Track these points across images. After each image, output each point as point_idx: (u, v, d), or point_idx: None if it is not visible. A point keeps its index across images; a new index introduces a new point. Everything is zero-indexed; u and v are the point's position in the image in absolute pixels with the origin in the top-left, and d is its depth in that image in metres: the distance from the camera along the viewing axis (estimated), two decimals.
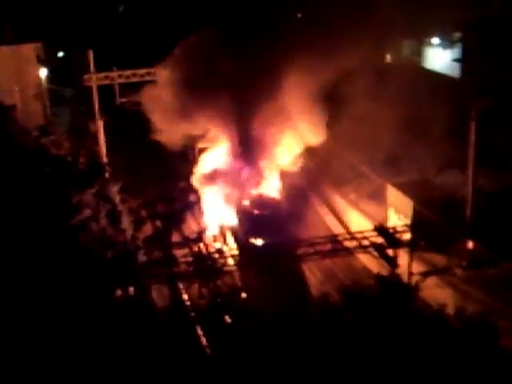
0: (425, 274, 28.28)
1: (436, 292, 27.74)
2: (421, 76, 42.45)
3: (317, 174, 36.69)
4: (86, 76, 37.81)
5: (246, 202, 33.46)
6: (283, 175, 35.79)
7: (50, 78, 46.74)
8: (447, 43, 47.27)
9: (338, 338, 23.35)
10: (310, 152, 35.21)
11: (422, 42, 48.89)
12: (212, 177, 35.27)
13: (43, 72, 45.89)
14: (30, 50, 45.10)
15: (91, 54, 37.13)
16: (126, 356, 22.13)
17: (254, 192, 34.80)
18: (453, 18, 43.86)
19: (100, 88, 38.34)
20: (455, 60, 44.80)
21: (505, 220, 29.00)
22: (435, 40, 48.29)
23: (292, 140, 35.18)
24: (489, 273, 28.01)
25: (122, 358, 22.03)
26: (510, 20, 39.46)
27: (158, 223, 33.73)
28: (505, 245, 28.19)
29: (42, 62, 46.06)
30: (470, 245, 28.86)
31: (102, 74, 38.51)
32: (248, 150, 35.25)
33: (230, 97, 33.87)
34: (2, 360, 20.67)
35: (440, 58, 47.59)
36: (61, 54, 51.68)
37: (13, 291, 22.59)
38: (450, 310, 25.72)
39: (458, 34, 45.98)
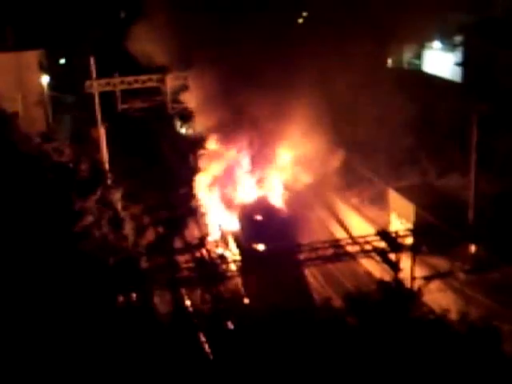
0: (427, 279, 28.23)
1: (439, 296, 27.70)
2: (422, 80, 42.51)
3: (319, 179, 36.67)
4: (87, 82, 37.87)
5: (248, 208, 33.46)
6: (285, 180, 35.86)
7: (51, 84, 46.83)
8: (448, 47, 47.29)
9: (341, 343, 23.34)
10: (312, 157, 35.25)
11: (422, 46, 48.92)
12: (214, 182, 35.34)
13: (45, 79, 45.99)
14: (32, 56, 45.18)
15: (93, 61, 37.18)
16: (129, 361, 22.13)
17: (256, 197, 34.83)
18: (454, 21, 43.94)
19: (102, 94, 38.40)
20: (457, 64, 44.81)
21: (507, 223, 28.97)
22: (436, 44, 48.31)
23: (295, 145, 35.25)
24: (491, 276, 27.96)
25: (125, 364, 22.03)
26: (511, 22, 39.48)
27: (160, 229, 33.76)
28: (507, 248, 28.16)
29: (44, 68, 46.15)
30: (473, 249, 28.82)
31: (104, 81, 38.59)
32: (252, 155, 35.33)
33: (240, 100, 34.00)
34: (5, 364, 20.70)
35: (441, 61, 47.59)
36: (62, 61, 51.83)
37: (16, 297, 22.63)
38: (453, 314, 25.70)
39: (459, 38, 46.00)
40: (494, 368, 21.46)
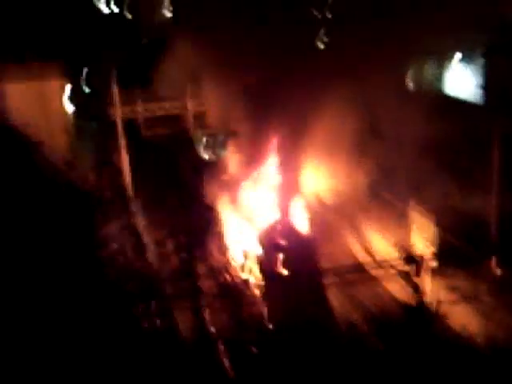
0: (453, 302, 28.01)
1: (465, 320, 27.43)
2: (443, 101, 42.36)
3: (343, 202, 36.61)
4: (110, 110, 38.36)
5: (271, 231, 33.48)
6: (310, 202, 35.83)
7: (75, 112, 47.41)
8: (471, 67, 47.11)
9: (364, 366, 23.27)
10: (335, 178, 35.27)
11: (443, 66, 48.80)
12: (238, 204, 35.43)
13: (70, 107, 46.57)
14: (56, 85, 45.81)
15: (116, 89, 37.68)
16: None
17: (279, 220, 34.83)
18: (477, 41, 43.83)
19: (126, 121, 38.80)
20: (479, 86, 44.63)
21: None
22: (458, 64, 48.17)
23: (319, 167, 35.29)
24: None
25: None
26: None
27: (184, 255, 33.87)
28: None
29: (69, 98, 46.78)
30: (498, 270, 28.56)
31: (127, 108, 39.04)
32: (276, 177, 35.39)
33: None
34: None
35: (463, 82, 47.41)
36: (86, 89, 52.44)
37: (40, 327, 22.86)
38: (481, 338, 25.48)
39: (482, 58, 45.81)
40: None
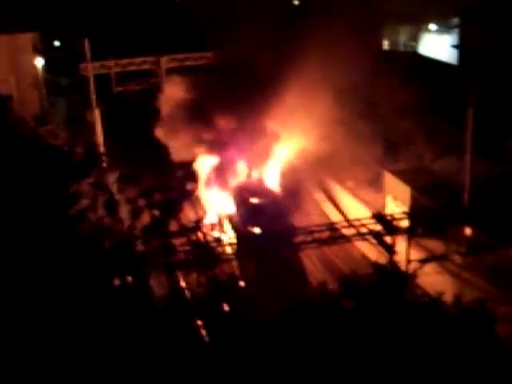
0: (423, 261, 28.29)
1: (434, 279, 27.77)
2: (418, 63, 42.34)
3: (315, 162, 36.62)
4: (81, 65, 37.62)
5: (244, 191, 33.43)
6: (282, 164, 35.81)
7: (46, 67, 46.52)
8: (444, 29, 47.10)
9: (335, 326, 23.40)
10: (308, 141, 35.19)
11: (419, 28, 48.73)
12: (211, 165, 35.29)
13: (39, 61, 45.66)
14: (26, 39, 44.81)
15: (87, 43, 36.89)
16: (124, 344, 22.15)
17: (252, 180, 34.79)
18: (451, 4, 43.69)
19: (97, 77, 38.11)
20: (453, 46, 44.65)
21: (502, 206, 29.00)
22: (432, 26, 48.11)
23: (292, 129, 35.18)
24: (487, 259, 28.01)
25: (120, 346, 22.05)
26: (507, 6, 39.26)
27: (156, 212, 33.65)
28: (502, 230, 28.21)
29: (39, 51, 45.82)
30: (468, 231, 28.85)
31: (98, 64, 38.33)
32: (248, 140, 35.25)
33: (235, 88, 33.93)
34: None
35: (437, 44, 47.42)
36: (57, 44, 51.42)
37: (10, 281, 22.61)
38: (448, 296, 25.77)
39: (455, 20, 45.81)
40: (488, 350, 21.56)
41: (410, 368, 20.62)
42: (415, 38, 49.53)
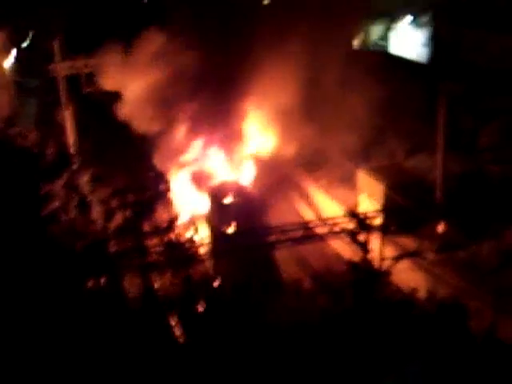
0: (396, 258, 28.42)
1: (408, 276, 27.92)
2: (389, 61, 42.58)
3: (289, 161, 36.64)
4: (51, 66, 37.13)
5: (217, 190, 33.31)
6: (256, 162, 35.77)
7: (15, 67, 45.99)
8: (415, 26, 47.38)
9: (310, 323, 23.44)
10: (282, 139, 35.22)
11: (388, 27, 48.98)
12: (183, 165, 35.11)
13: (8, 62, 45.12)
14: None
15: (57, 43, 36.45)
16: (98, 345, 21.98)
17: (226, 180, 34.70)
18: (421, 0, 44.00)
19: (68, 77, 37.64)
20: (424, 44, 44.98)
21: (475, 202, 29.25)
22: (403, 23, 48.39)
23: (265, 127, 35.16)
24: (460, 255, 28.24)
25: (93, 347, 21.87)
26: (479, 2, 39.62)
27: (129, 213, 33.43)
28: (475, 227, 28.47)
29: (7, 51, 45.28)
30: (441, 228, 29.04)
31: (68, 64, 37.79)
32: (221, 137, 35.16)
33: (203, 83, 33.76)
34: None
35: (407, 42, 47.69)
36: (25, 44, 50.84)
37: None
38: (422, 293, 25.94)
39: (425, 17, 46.09)
40: (462, 344, 21.76)
41: (384, 363, 20.73)
42: (385, 37, 49.78)
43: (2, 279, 22.59)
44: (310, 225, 29.97)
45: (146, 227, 32.80)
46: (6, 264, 23.21)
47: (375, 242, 28.69)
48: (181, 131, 35.32)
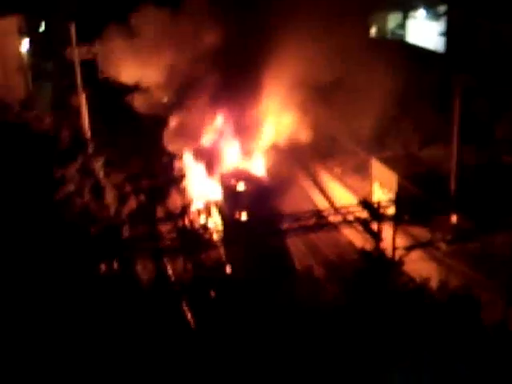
0: (408, 248, 28.37)
1: (420, 266, 27.88)
2: (405, 50, 42.33)
3: (303, 149, 36.62)
4: (67, 50, 37.20)
5: (231, 177, 33.39)
6: (269, 151, 35.77)
7: (31, 51, 46.07)
8: (432, 16, 47.05)
9: (321, 311, 23.47)
10: (296, 128, 35.17)
11: (406, 16, 48.65)
12: (198, 151, 35.17)
13: (24, 46, 45.21)
14: (10, 22, 44.28)
15: (73, 27, 36.50)
16: (110, 329, 22.14)
17: (239, 167, 34.75)
18: None
19: (84, 61, 37.72)
20: (441, 34, 44.66)
21: (488, 193, 29.15)
22: (420, 13, 48.06)
23: (279, 116, 35.12)
24: (472, 246, 28.17)
25: (106, 332, 22.04)
26: None
27: (143, 198, 33.57)
28: (488, 218, 28.37)
29: (24, 35, 45.35)
30: (454, 219, 28.99)
31: (84, 48, 37.86)
32: (235, 125, 35.16)
33: (215, 72, 33.74)
34: None
35: (425, 31, 47.37)
36: (42, 28, 50.91)
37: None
38: (434, 283, 25.91)
39: (443, 7, 45.78)
40: (473, 335, 21.74)
41: (396, 353, 20.75)
42: (403, 26, 49.45)
43: (16, 262, 22.79)
44: (323, 213, 29.98)
45: (160, 212, 32.90)
46: (21, 247, 23.40)
47: (388, 232, 28.65)
48: (196, 115, 35.31)
